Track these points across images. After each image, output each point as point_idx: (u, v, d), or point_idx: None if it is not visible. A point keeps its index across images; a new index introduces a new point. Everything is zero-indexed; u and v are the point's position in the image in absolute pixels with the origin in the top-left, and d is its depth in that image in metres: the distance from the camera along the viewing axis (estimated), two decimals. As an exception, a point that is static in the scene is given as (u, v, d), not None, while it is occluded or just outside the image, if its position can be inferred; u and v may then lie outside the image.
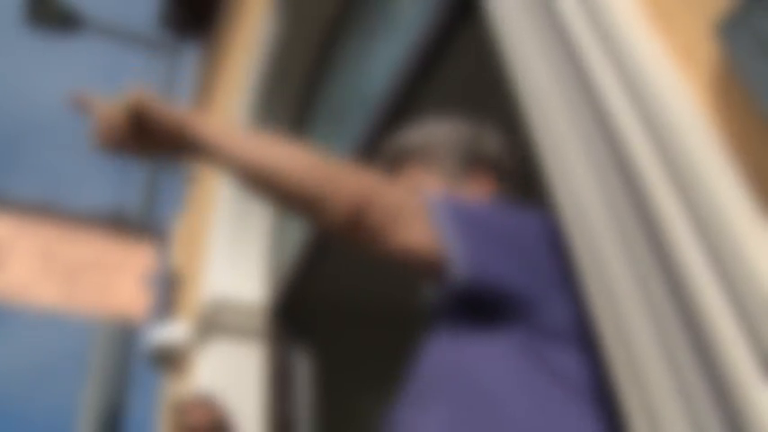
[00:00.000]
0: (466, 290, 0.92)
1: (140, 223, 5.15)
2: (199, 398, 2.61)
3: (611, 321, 0.92)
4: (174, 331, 4.04)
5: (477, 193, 1.18)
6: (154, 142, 1.00)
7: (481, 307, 0.93)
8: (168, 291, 4.47)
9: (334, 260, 3.26)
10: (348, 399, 3.64)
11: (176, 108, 1.01)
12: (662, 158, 0.95)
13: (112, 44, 6.99)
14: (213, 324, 3.44)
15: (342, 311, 3.67)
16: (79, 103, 1.04)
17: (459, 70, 2.60)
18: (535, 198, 1.20)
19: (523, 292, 0.93)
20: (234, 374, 3.22)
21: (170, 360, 4.06)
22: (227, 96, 4.48)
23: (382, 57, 2.91)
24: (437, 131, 1.25)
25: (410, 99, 2.54)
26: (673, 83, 1.03)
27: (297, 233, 3.40)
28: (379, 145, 2.69)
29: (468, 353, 0.92)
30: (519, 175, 1.24)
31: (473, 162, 1.21)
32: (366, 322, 3.73)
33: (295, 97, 3.80)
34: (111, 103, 1.00)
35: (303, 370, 3.33)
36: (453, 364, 0.93)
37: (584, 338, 0.94)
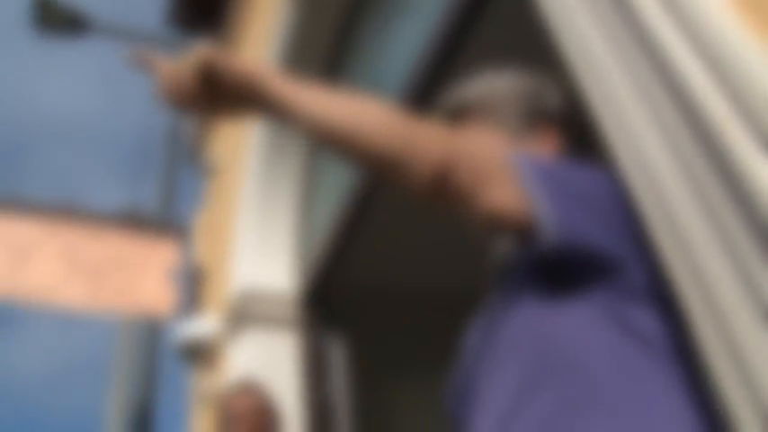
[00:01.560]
0: (554, 253, 0.89)
1: (160, 219, 5.15)
2: (242, 385, 2.60)
3: (687, 271, 0.89)
4: (202, 325, 4.04)
5: (542, 148, 1.14)
6: (223, 98, 0.98)
7: (566, 270, 0.90)
8: (193, 285, 4.47)
9: (363, 245, 3.25)
10: (384, 383, 3.63)
11: (246, 63, 0.98)
12: (727, 94, 0.92)
13: (119, 44, 6.98)
14: (244, 315, 3.43)
15: (373, 296, 3.66)
16: (142, 63, 1.02)
17: (485, 47, 2.57)
18: (593, 152, 1.17)
19: (609, 253, 0.90)
20: (268, 364, 3.22)
21: (200, 354, 4.06)
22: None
23: (403, 39, 2.89)
24: (498, 84, 1.19)
25: (436, 81, 2.51)
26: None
27: (324, 219, 3.39)
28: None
29: (553, 322, 0.90)
30: (579, 130, 1.21)
31: (537, 116, 1.16)
32: (398, 306, 3.72)
33: (317, 84, 3.78)
34: (177, 60, 0.97)
35: (337, 357, 3.33)
36: (539, 334, 0.90)
37: (658, 294, 0.92)
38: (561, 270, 0.91)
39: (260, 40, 4.16)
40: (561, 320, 0.90)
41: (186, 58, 0.96)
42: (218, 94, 0.97)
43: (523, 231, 0.90)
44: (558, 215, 0.88)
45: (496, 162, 0.92)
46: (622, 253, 0.91)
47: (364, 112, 0.93)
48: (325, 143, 0.95)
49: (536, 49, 2.06)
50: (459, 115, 1.19)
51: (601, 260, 0.90)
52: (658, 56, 1.02)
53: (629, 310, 0.89)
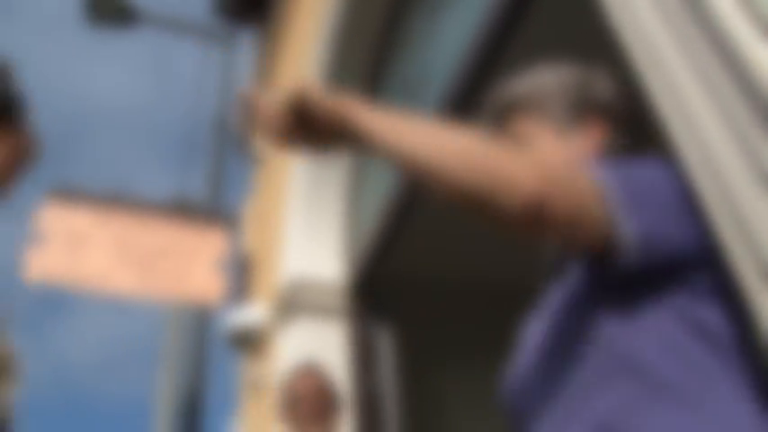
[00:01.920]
0: (637, 269, 0.88)
1: (209, 208, 5.21)
2: (305, 367, 2.66)
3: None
4: (251, 313, 4.09)
5: (588, 140, 1.13)
6: (317, 133, 0.99)
7: (647, 279, 0.89)
8: (241, 274, 4.52)
9: (411, 234, 3.25)
10: (431, 372, 3.63)
11: (338, 96, 0.98)
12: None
13: (169, 35, 7.07)
14: (293, 304, 3.46)
15: (422, 285, 3.65)
16: (243, 100, 1.04)
17: (533, 39, 2.54)
18: (649, 143, 1.15)
19: (686, 256, 0.89)
20: (316, 353, 3.23)
21: (248, 342, 4.11)
22: (291, 78, 4.49)
23: (453, 25, 2.87)
24: (544, 78, 1.19)
25: (485, 70, 2.49)
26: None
27: (373, 208, 3.40)
28: (456, 116, 2.67)
29: (635, 335, 0.88)
30: (633, 120, 1.18)
31: (584, 108, 1.15)
32: (445, 295, 3.71)
33: (364, 74, 3.78)
34: (273, 95, 0.99)
35: (385, 346, 3.34)
36: (623, 350, 0.88)
37: (724, 292, 0.91)
38: (644, 280, 0.90)
39: (307, 32, 4.17)
40: (632, 327, 0.89)
41: (281, 93, 0.98)
42: (312, 128, 0.99)
43: (607, 251, 0.89)
44: (645, 232, 0.87)
45: (581, 182, 0.90)
46: (696, 252, 0.90)
47: (450, 147, 0.91)
48: (413, 175, 0.94)
49: (585, 39, 2.03)
50: (508, 112, 1.19)
51: (679, 266, 0.89)
52: (720, 39, 1.00)
53: (701, 310, 0.89)
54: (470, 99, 2.55)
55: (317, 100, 0.97)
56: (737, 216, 0.90)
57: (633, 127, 1.17)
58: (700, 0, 1.03)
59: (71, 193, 4.35)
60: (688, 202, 0.94)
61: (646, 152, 1.11)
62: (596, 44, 1.72)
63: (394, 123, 0.96)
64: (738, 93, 0.94)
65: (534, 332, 1.07)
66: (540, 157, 0.91)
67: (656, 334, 0.87)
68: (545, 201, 0.86)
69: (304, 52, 4.17)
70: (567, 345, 0.96)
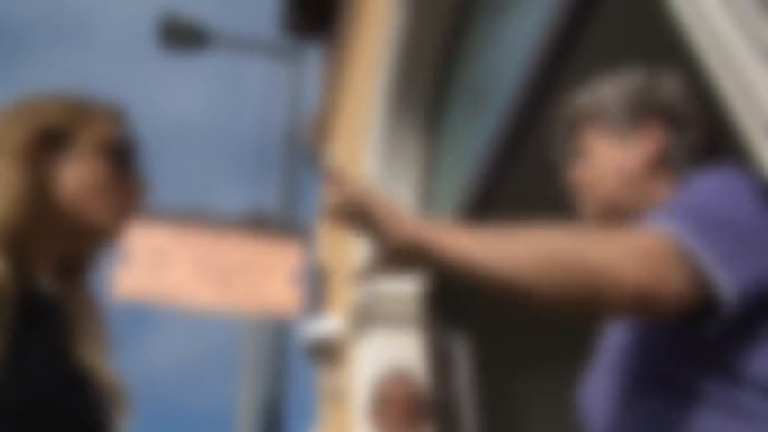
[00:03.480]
0: (737, 314, 0.86)
1: (283, 221, 5.32)
2: (397, 373, 2.75)
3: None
4: (328, 325, 4.16)
5: (650, 142, 1.14)
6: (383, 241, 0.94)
7: (743, 319, 0.88)
8: (317, 286, 4.60)
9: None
10: (508, 380, 3.62)
11: (400, 214, 0.94)
12: None
13: (237, 54, 7.24)
14: (369, 315, 3.51)
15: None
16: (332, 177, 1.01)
17: (600, 39, 2.53)
18: (721, 143, 1.15)
19: None
20: (394, 363, 3.27)
21: (326, 353, 4.18)
22: (358, 93, 4.55)
23: (516, 35, 2.87)
24: (606, 89, 1.21)
25: (551, 75, 2.49)
26: None
27: (445, 217, 3.42)
28: (521, 125, 2.68)
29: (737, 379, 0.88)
30: (701, 121, 1.16)
31: (643, 111, 1.16)
32: (522, 303, 3.70)
33: (429, 86, 3.82)
34: (353, 187, 0.96)
35: (461, 354, 3.35)
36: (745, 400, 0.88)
37: None
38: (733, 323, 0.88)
39: (373, 46, 4.22)
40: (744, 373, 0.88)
41: (356, 189, 0.95)
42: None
43: (702, 312, 0.87)
44: (742, 282, 0.86)
45: (674, 255, 0.87)
46: None
47: (541, 261, 0.86)
48: (494, 290, 0.90)
49: (652, 41, 2.01)
50: (576, 126, 1.23)
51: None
52: None
53: None
54: (535, 109, 2.56)
55: (392, 231, 0.92)
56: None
57: (701, 127, 1.16)
58: None
59: (152, 212, 4.51)
60: (764, 216, 0.93)
61: (718, 156, 1.11)
62: (663, 45, 1.72)
63: (471, 243, 0.90)
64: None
65: (610, 346, 1.08)
66: (629, 240, 0.89)
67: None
68: (654, 287, 0.85)
69: (370, 66, 4.23)
70: (640, 381, 0.97)
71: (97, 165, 1.04)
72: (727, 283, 0.85)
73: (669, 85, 1.19)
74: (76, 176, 1.01)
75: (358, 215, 0.94)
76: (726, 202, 0.94)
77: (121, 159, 1.08)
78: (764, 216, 0.93)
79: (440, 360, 3.35)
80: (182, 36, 6.76)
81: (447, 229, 0.92)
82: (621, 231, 0.93)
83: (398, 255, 0.93)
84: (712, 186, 0.97)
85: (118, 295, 4.00)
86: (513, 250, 0.88)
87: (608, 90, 1.21)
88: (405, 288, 3.59)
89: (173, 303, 4.23)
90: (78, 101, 1.08)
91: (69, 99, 1.08)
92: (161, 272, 4.24)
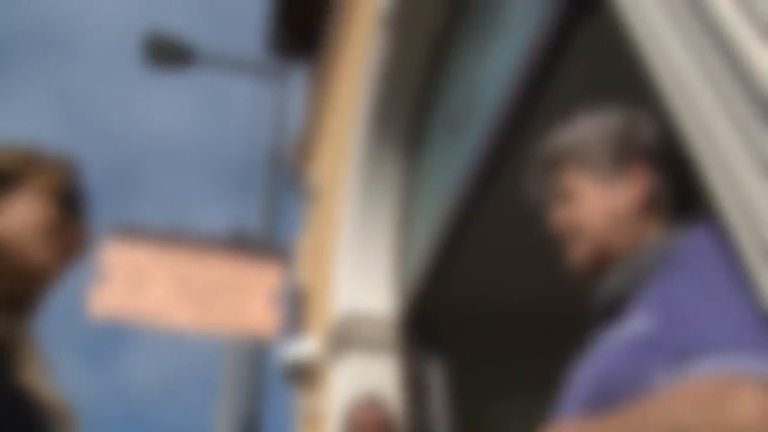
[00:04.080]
0: None
1: (264, 242, 5.32)
2: (368, 398, 2.74)
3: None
4: (305, 347, 4.16)
5: (635, 186, 1.15)
6: None
7: None
8: (296, 307, 4.60)
9: (460, 268, 3.28)
10: (483, 407, 3.63)
11: None
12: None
13: (222, 72, 7.26)
14: (345, 338, 3.52)
15: (472, 319, 3.68)
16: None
17: (578, 71, 2.57)
18: (696, 184, 1.16)
19: None
20: (368, 386, 3.28)
21: (303, 375, 4.17)
22: (341, 116, 4.58)
23: (496, 63, 2.91)
24: (587, 129, 1.22)
25: (529, 104, 2.53)
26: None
27: (422, 243, 3.44)
28: (499, 153, 2.72)
29: None
30: (678, 164, 1.18)
31: (626, 154, 1.17)
32: (497, 329, 3.72)
33: (410, 112, 3.86)
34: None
35: (436, 379, 3.36)
36: None
37: None
38: None
39: (355, 71, 4.26)
40: None
41: None
42: None
43: None
44: None
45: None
46: None
47: None
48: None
49: (625, 79, 2.05)
50: (556, 165, 1.23)
51: None
52: (754, 83, 1.03)
53: None
54: (513, 139, 2.59)
55: None
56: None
57: (680, 167, 1.17)
58: (725, 36, 1.09)
59: (131, 230, 4.50)
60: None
61: (693, 212, 1.13)
62: (636, 81, 1.76)
63: None
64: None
65: (584, 373, 1.09)
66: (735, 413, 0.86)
67: None
68: None
69: (352, 88, 4.26)
70: (618, 396, 0.97)
71: (42, 208, 1.07)
72: None
73: (649, 128, 1.20)
74: (19, 216, 1.04)
75: None
76: (744, 298, 0.94)
77: (67, 206, 1.11)
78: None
79: (415, 385, 3.36)
80: (167, 53, 6.78)
81: None
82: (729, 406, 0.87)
83: None
84: (727, 283, 0.96)
85: (94, 313, 3.98)
86: None
87: (589, 131, 1.22)
88: (381, 312, 3.60)
89: (150, 322, 4.21)
90: (30, 149, 1.12)
91: (22, 147, 1.12)
92: (139, 290, 4.23)
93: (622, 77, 2.15)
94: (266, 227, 5.91)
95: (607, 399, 0.99)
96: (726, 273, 0.97)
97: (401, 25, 3.64)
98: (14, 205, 1.05)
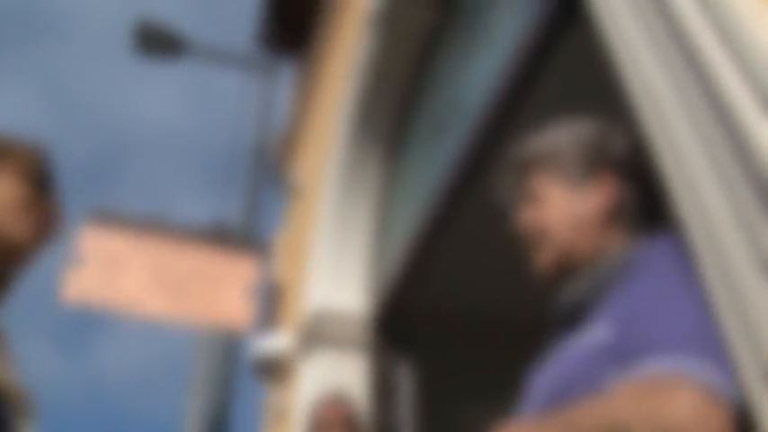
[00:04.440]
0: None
1: (243, 235, 5.32)
2: (333, 395, 2.75)
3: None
4: (277, 342, 4.16)
5: (601, 194, 1.17)
6: None
7: None
8: (271, 302, 4.60)
9: (435, 270, 3.30)
10: (451, 409, 3.65)
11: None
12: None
13: (211, 64, 7.25)
14: (316, 334, 3.52)
15: (444, 321, 3.70)
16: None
17: (561, 78, 2.59)
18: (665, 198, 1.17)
19: None
20: (337, 384, 3.29)
21: (273, 370, 4.18)
22: (325, 114, 4.60)
23: (481, 68, 2.93)
24: (560, 136, 1.24)
25: (511, 110, 2.55)
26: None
27: (398, 244, 3.46)
28: (480, 156, 2.73)
29: None
30: (647, 175, 1.19)
31: (596, 163, 1.19)
32: (468, 332, 3.75)
33: (393, 112, 3.87)
34: None
35: (406, 380, 3.37)
36: None
37: None
38: None
39: (341, 69, 4.27)
40: None
41: None
42: None
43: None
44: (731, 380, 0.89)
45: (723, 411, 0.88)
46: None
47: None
48: None
49: (607, 86, 2.08)
50: (527, 170, 1.25)
51: None
52: (719, 100, 1.04)
53: None
54: (493, 144, 2.61)
55: None
56: (741, 309, 0.90)
57: (650, 180, 1.19)
58: (707, 73, 1.07)
59: (110, 217, 4.48)
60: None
61: (658, 223, 1.15)
62: (619, 90, 1.78)
63: None
64: (743, 172, 0.97)
65: (543, 378, 1.12)
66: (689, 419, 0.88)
67: None
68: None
69: (338, 85, 4.28)
70: (575, 401, 0.99)
71: (14, 187, 1.13)
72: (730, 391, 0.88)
73: (622, 139, 1.22)
74: None
75: None
76: (698, 305, 0.97)
77: (39, 187, 1.17)
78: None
79: (383, 384, 3.37)
80: (157, 42, 6.76)
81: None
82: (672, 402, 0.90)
83: None
84: (683, 290, 0.99)
85: (67, 297, 3.96)
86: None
87: (561, 138, 1.24)
88: (354, 311, 3.62)
89: (123, 310, 4.20)
90: (4, 136, 1.18)
91: None
92: (114, 277, 4.22)
93: (604, 84, 2.18)
94: (246, 220, 5.92)
95: (564, 404, 1.00)
96: (681, 279, 0.99)
97: (388, 25, 3.65)
98: None
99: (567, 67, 2.49)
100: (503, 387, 3.16)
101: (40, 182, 1.18)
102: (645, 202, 1.18)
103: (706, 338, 0.92)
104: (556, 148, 1.23)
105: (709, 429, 0.84)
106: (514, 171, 1.28)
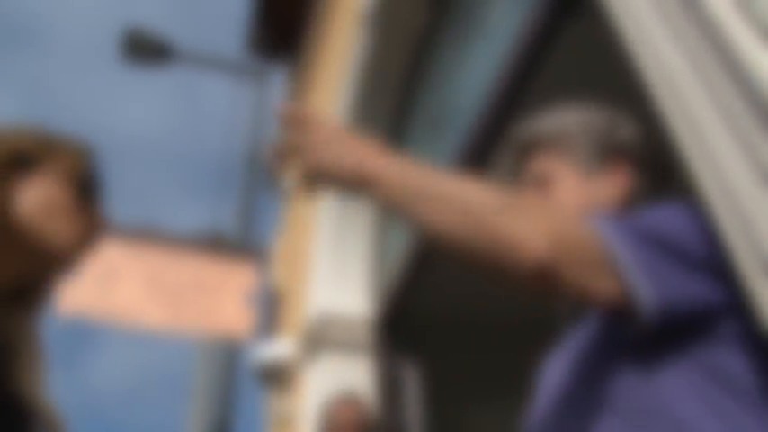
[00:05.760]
0: (655, 327, 0.87)
1: (239, 242, 5.27)
2: (347, 397, 2.73)
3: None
4: (279, 348, 4.11)
5: (614, 184, 1.14)
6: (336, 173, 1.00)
7: (666, 334, 0.89)
8: (270, 309, 4.55)
9: (438, 272, 3.25)
10: (457, 410, 3.62)
11: (360, 141, 1.00)
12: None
13: (201, 70, 7.20)
14: (320, 339, 3.48)
15: (448, 322, 3.66)
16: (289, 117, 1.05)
17: (560, 72, 2.55)
18: (674, 187, 1.15)
19: (706, 308, 0.89)
20: (343, 388, 3.24)
21: (276, 377, 4.13)
22: (320, 114, 4.55)
23: (477, 64, 2.90)
24: (572, 119, 1.19)
25: (509, 106, 2.51)
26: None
27: (400, 246, 3.41)
28: (479, 153, 2.69)
29: (660, 387, 0.89)
30: (657, 165, 1.18)
31: (609, 152, 1.16)
32: (472, 333, 3.71)
33: (390, 111, 3.83)
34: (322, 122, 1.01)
35: (412, 382, 3.34)
36: (649, 401, 0.89)
37: (749, 338, 0.90)
38: (664, 334, 0.89)
39: (336, 68, 4.23)
40: (667, 385, 0.89)
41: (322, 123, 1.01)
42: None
43: (623, 312, 0.88)
44: (660, 292, 0.86)
45: (593, 248, 0.89)
46: (717, 300, 0.90)
47: (457, 204, 0.90)
48: (421, 231, 0.94)
49: (609, 78, 2.04)
50: (531, 148, 1.20)
51: (698, 317, 0.89)
52: (742, 75, 1.01)
53: (721, 357, 0.89)
54: (492, 141, 2.57)
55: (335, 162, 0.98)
56: (740, 214, 0.93)
57: (658, 170, 1.17)
58: (722, 37, 1.06)
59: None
60: (712, 248, 0.94)
61: (670, 196, 1.11)
62: (618, 84, 1.74)
63: (405, 172, 0.96)
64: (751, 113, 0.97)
65: (554, 374, 1.08)
66: (551, 218, 0.90)
67: (686, 385, 0.87)
68: (554, 267, 0.86)
69: (333, 88, 4.23)
70: (585, 393, 0.96)
71: (59, 190, 1.08)
72: (647, 294, 0.86)
73: (631, 128, 1.19)
74: (37, 197, 1.05)
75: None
76: (670, 225, 0.94)
77: (84, 191, 1.12)
78: (710, 247, 0.94)
79: (390, 387, 3.33)
80: (145, 50, 6.70)
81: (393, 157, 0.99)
82: (554, 209, 0.96)
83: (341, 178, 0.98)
84: (661, 212, 0.97)
85: (63, 310, 3.90)
86: (446, 189, 0.92)
87: (572, 121, 1.19)
88: (357, 314, 3.57)
89: (120, 321, 4.14)
90: (50, 133, 1.14)
91: (42, 130, 1.13)
92: (110, 288, 4.15)
93: (604, 80, 2.14)
94: (242, 227, 5.86)
95: (574, 399, 0.98)
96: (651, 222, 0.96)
97: (382, 24, 3.61)
98: (33, 187, 1.06)
99: (565, 61, 2.46)
100: (508, 387, 3.13)
101: (85, 185, 1.13)
102: (653, 194, 1.15)
103: (644, 231, 0.91)
104: (567, 131, 1.18)
105: (562, 234, 0.86)
106: (518, 150, 1.23)
